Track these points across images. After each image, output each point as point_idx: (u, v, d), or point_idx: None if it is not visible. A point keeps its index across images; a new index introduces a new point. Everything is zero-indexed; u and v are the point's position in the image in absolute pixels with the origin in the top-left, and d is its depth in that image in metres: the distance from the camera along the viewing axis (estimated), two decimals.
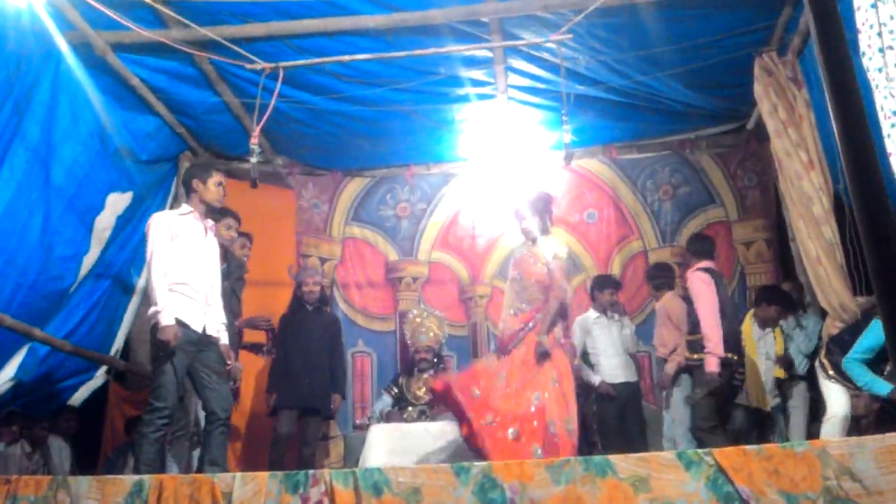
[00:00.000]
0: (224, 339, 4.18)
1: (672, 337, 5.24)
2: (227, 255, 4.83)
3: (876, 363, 3.98)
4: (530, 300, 4.54)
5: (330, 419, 6.00)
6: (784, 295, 5.45)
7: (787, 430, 5.34)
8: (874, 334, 3.87)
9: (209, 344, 4.06)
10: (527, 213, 4.72)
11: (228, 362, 4.18)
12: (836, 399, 4.31)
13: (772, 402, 5.37)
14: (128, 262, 6.19)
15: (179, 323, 3.90)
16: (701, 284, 4.83)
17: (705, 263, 5.03)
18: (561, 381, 4.33)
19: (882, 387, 3.93)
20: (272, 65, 4.42)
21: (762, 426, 5.39)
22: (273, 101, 4.40)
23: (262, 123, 4.45)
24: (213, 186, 4.13)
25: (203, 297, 4.07)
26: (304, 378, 5.49)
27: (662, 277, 5.59)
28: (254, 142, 4.30)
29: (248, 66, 4.53)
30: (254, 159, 4.29)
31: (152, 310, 3.90)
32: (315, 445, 5.68)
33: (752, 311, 5.52)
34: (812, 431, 5.07)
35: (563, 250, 4.65)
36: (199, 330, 4.01)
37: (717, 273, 5.11)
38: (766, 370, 5.38)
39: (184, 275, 4.00)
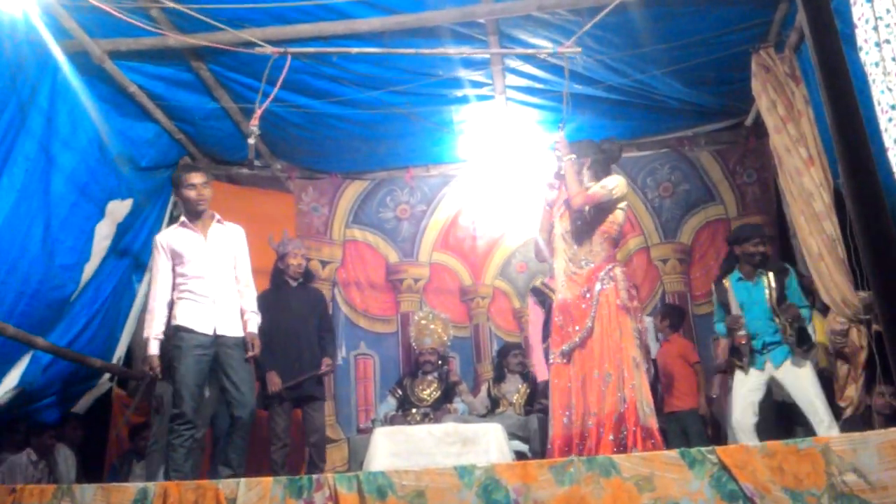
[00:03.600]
0: (251, 326, 4.21)
1: None
2: None
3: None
4: None
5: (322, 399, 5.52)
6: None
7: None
8: (715, 298, 4.74)
9: (223, 345, 4.08)
10: None
11: (251, 352, 4.18)
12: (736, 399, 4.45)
13: None
14: (129, 269, 6.18)
15: (185, 329, 4.00)
16: None
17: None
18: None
19: (721, 328, 4.65)
20: (281, 49, 4.32)
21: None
22: (278, 85, 4.26)
23: (265, 105, 4.26)
24: (185, 189, 4.18)
25: (211, 299, 4.10)
26: (292, 366, 5.16)
27: None
28: (254, 123, 4.17)
29: (258, 50, 4.37)
30: (251, 140, 4.19)
31: (145, 335, 4.09)
32: (322, 431, 5.41)
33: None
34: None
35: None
36: (209, 332, 4.05)
37: None
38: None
39: (187, 282, 4.09)
